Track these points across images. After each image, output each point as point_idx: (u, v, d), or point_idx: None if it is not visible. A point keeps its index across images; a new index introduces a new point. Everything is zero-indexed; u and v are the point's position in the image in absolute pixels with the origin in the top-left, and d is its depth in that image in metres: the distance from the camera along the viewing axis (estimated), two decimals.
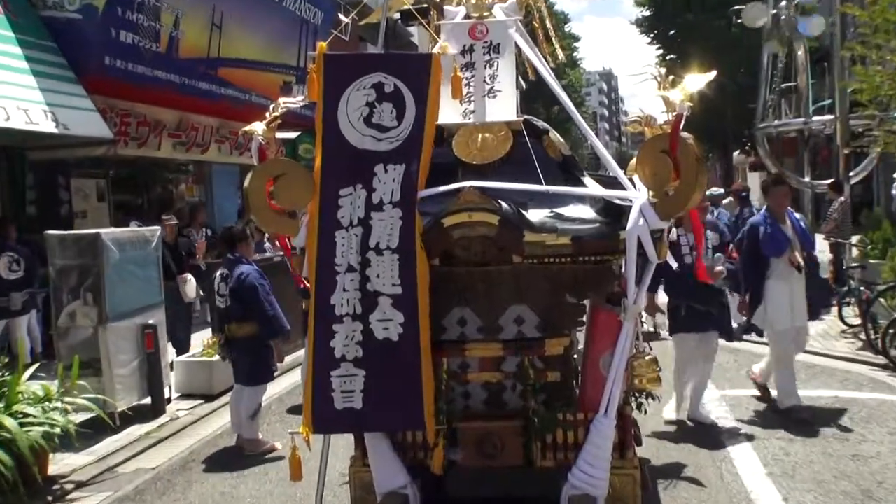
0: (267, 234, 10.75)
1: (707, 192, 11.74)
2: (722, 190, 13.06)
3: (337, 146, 3.73)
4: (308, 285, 3.72)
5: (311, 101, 3.89)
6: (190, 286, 9.67)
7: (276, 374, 6.86)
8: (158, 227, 8.20)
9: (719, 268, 6.18)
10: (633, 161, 3.97)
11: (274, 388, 8.28)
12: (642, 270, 3.61)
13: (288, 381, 8.78)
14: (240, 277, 6.21)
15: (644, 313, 10.47)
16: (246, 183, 3.72)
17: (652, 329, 10.57)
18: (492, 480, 4.10)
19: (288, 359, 9.60)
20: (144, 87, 11.71)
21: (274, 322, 6.23)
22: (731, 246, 6.52)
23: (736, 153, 32.69)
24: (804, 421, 6.34)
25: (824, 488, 4.99)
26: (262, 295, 6.18)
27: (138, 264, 7.56)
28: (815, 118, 17.42)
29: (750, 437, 6.06)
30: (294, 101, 3.99)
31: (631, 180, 3.83)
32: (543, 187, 3.68)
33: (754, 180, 30.70)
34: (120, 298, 7.24)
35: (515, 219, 3.49)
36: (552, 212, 3.67)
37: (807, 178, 17.53)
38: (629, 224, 3.43)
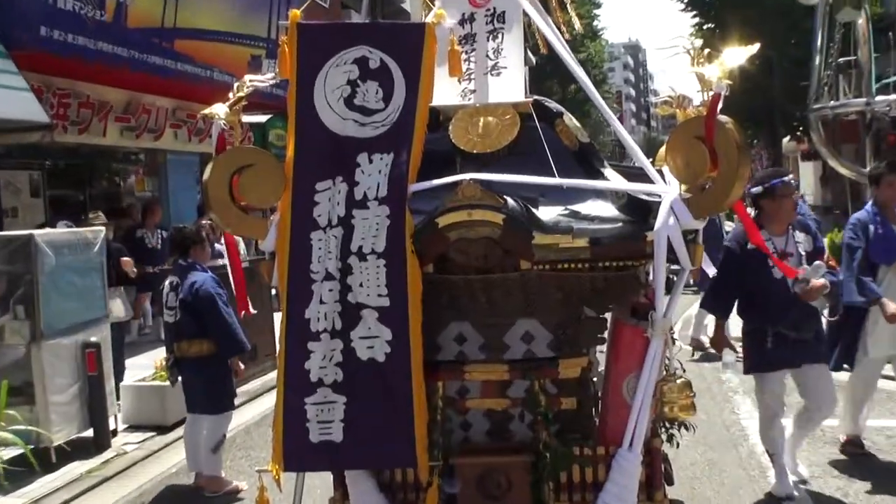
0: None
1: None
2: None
3: (313, 132, 3.73)
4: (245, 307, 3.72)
5: (282, 78, 3.89)
6: (117, 304, 9.52)
7: (236, 399, 6.86)
8: (102, 228, 8.20)
9: (820, 280, 5.47)
10: (663, 149, 3.97)
11: (239, 418, 8.27)
12: (673, 278, 3.61)
13: (255, 410, 8.79)
14: (192, 286, 6.22)
15: (704, 343, 10.44)
16: (205, 175, 3.72)
17: (707, 346, 10.55)
18: None
19: (255, 383, 9.66)
20: (87, 63, 11.72)
21: (233, 338, 6.23)
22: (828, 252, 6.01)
23: (785, 140, 32.71)
24: (866, 455, 6.34)
25: None
26: (220, 307, 6.19)
27: (79, 272, 7.56)
28: (879, 98, 17.44)
29: (802, 474, 6.05)
30: (263, 79, 4.00)
31: (660, 172, 3.83)
32: (556, 180, 3.67)
33: (807, 171, 30.74)
34: (57, 312, 7.24)
35: (523, 217, 3.49)
36: (567, 209, 3.66)
37: (869, 169, 17.57)
38: (658, 223, 3.43)
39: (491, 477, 3.72)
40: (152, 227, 12.73)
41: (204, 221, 10.29)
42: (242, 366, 6.47)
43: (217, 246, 10.62)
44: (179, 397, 7.44)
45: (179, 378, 6.55)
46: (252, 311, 4.29)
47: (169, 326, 6.53)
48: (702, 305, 6.44)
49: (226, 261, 9.39)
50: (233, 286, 4.18)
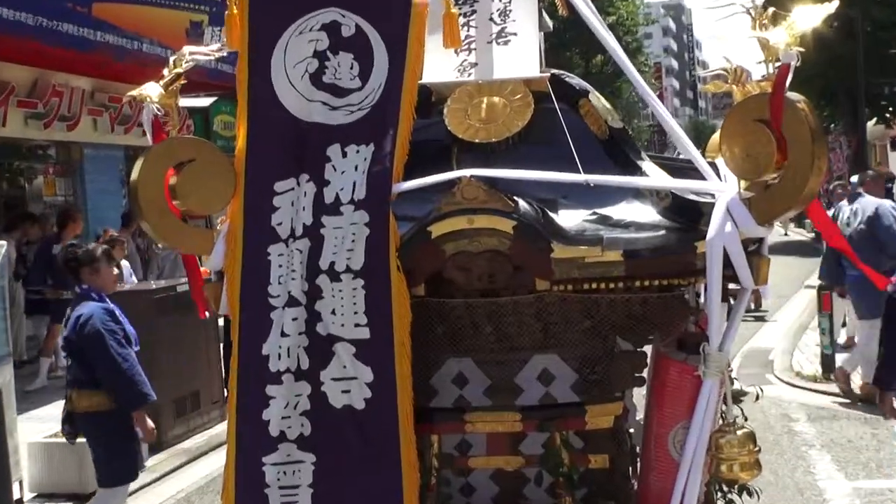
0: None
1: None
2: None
3: (270, 118, 3.74)
4: None
5: (230, 50, 3.89)
6: None
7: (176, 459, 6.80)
8: (3, 243, 8.19)
9: None
10: (716, 137, 3.97)
11: (178, 483, 8.26)
12: (732, 301, 3.60)
13: (198, 473, 8.75)
14: (77, 321, 6.14)
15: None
16: (134, 174, 3.72)
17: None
18: None
19: (199, 439, 9.63)
20: None
21: (129, 386, 6.09)
22: None
23: (871, 123, 32.82)
24: None
25: None
26: (112, 347, 6.07)
27: None
28: None
29: None
30: (206, 52, 4.00)
31: (713, 165, 3.84)
32: (581, 176, 3.67)
33: None
34: None
35: (539, 224, 3.49)
36: (595, 213, 3.67)
37: None
38: (711, 230, 3.43)
39: None
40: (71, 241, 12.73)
41: (114, 234, 10.25)
42: (151, 423, 6.28)
43: (123, 265, 10.58)
44: None
45: (79, 437, 6.48)
46: (207, 314, 4.24)
47: (67, 370, 6.52)
48: (875, 382, 5.91)
49: (129, 283, 9.38)
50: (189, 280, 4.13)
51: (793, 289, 18.45)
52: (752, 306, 15.60)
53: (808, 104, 3.41)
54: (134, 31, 14.34)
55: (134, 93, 3.90)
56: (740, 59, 3.79)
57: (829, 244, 4.78)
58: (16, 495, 7.72)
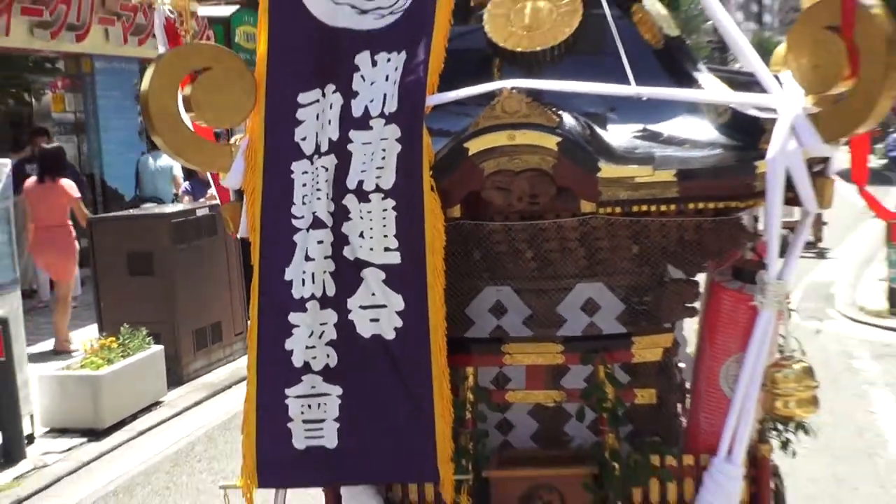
0: None
1: None
2: None
3: (293, 22, 3.71)
4: None
5: None
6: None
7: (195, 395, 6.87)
8: (6, 161, 8.23)
9: None
10: (781, 48, 3.91)
11: (200, 419, 8.38)
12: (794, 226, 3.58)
13: (221, 409, 8.85)
14: None
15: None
16: (144, 83, 3.69)
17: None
18: None
19: (221, 373, 9.74)
20: None
21: None
22: None
23: None
24: None
25: None
26: None
27: None
28: None
29: None
30: None
31: (777, 77, 3.78)
32: (632, 88, 3.60)
33: None
34: None
35: (586, 141, 3.46)
36: (646, 129, 3.64)
37: None
38: (773, 149, 3.37)
39: (539, 496, 3.74)
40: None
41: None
42: None
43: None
44: (117, 391, 7.51)
45: None
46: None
47: None
48: None
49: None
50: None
51: (858, 219, 18.17)
52: (813, 240, 15.54)
53: (886, 10, 3.34)
54: None
55: None
56: None
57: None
58: (27, 430, 7.84)
